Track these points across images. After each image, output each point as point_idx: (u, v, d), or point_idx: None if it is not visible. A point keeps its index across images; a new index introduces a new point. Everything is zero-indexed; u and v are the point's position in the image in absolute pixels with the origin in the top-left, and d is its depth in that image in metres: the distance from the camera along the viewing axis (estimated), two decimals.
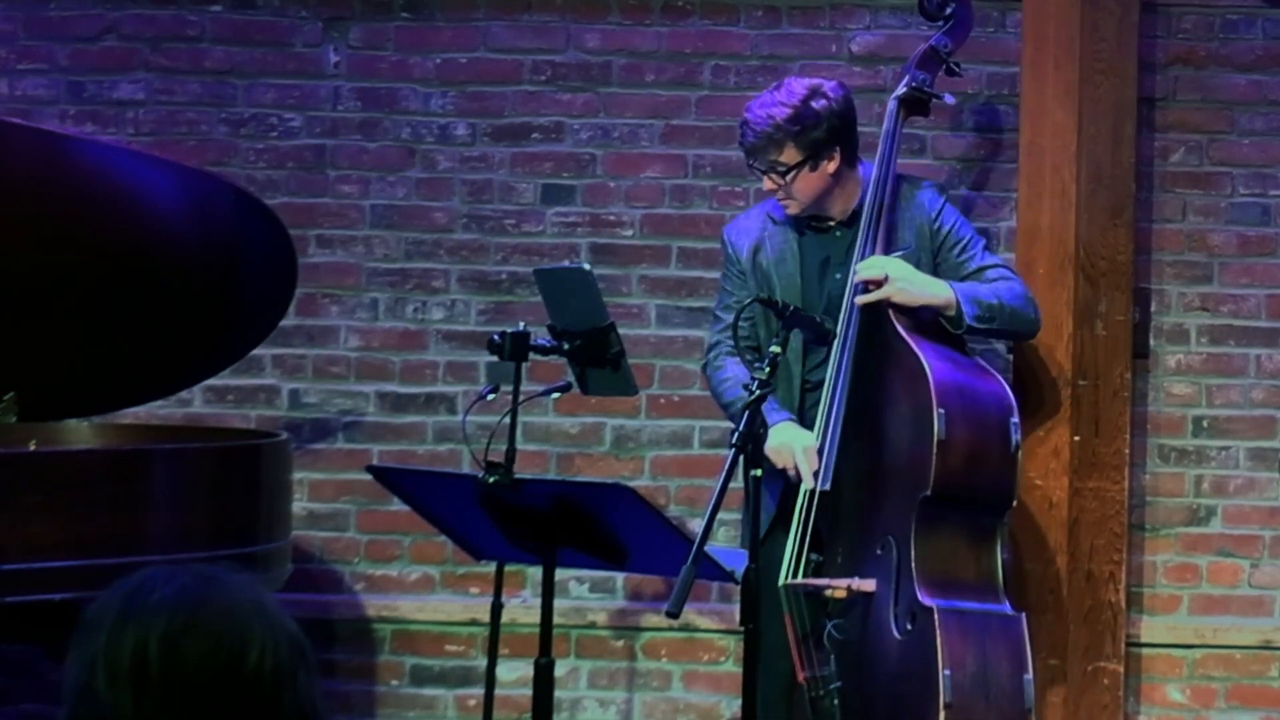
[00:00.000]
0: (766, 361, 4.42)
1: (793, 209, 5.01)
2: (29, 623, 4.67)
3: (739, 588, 4.31)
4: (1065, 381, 5.64)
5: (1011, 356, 5.69)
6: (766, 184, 4.99)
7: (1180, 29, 5.80)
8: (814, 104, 4.91)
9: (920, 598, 4.68)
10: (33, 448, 5.15)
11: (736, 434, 4.29)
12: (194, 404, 5.90)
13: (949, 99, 5.31)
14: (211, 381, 5.77)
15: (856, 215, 5.02)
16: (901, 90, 5.19)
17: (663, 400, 5.88)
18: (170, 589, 1.95)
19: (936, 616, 4.64)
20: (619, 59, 5.90)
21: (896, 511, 4.77)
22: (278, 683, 1.94)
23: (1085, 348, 5.64)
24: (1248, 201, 5.77)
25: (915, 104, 5.21)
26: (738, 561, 4.30)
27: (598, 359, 4.49)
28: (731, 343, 5.04)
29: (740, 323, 5.00)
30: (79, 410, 5.53)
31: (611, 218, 5.90)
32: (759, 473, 4.34)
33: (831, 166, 4.95)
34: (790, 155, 4.91)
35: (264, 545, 5.08)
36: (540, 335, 4.54)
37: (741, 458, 4.31)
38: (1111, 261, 5.66)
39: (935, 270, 5.00)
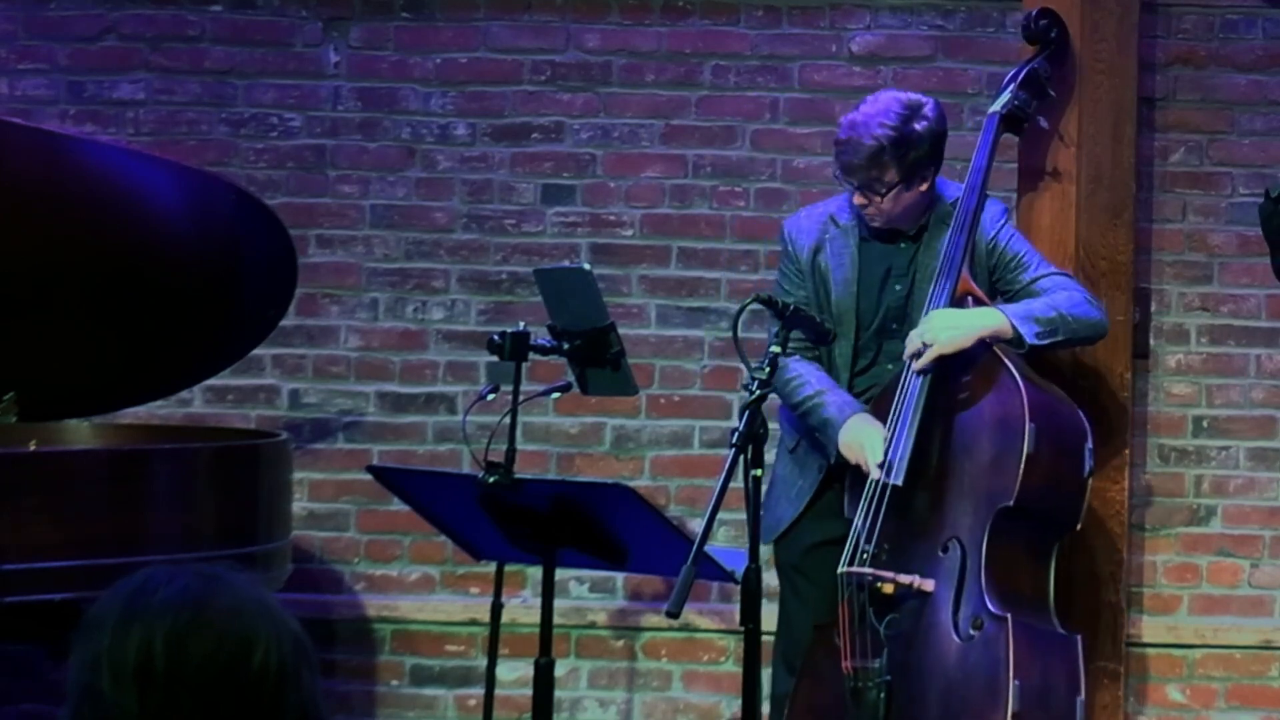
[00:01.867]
0: (766, 361, 4.41)
1: (878, 222, 4.99)
2: (29, 623, 4.67)
3: (739, 588, 4.31)
4: (1065, 381, 5.63)
5: None
6: (858, 198, 4.95)
7: (1180, 29, 5.80)
8: (917, 125, 4.90)
9: (990, 606, 4.70)
10: (33, 448, 5.15)
11: (736, 434, 4.29)
12: (194, 404, 5.90)
13: (1043, 123, 5.36)
14: (211, 381, 5.77)
15: (923, 229, 5.02)
16: (1004, 109, 5.21)
17: (663, 400, 5.88)
18: (174, 588, 1.95)
19: (1010, 626, 4.67)
20: (619, 59, 5.90)
21: (969, 517, 4.80)
22: (281, 682, 1.94)
23: (1085, 348, 5.64)
24: (1248, 201, 5.76)
25: (1013, 122, 5.24)
26: (738, 561, 4.30)
27: (598, 359, 4.49)
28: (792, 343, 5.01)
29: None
30: (79, 410, 5.53)
31: (611, 218, 5.90)
32: (759, 472, 4.34)
33: (924, 187, 4.95)
34: (892, 176, 4.89)
35: (264, 545, 5.08)
36: (540, 335, 4.54)
37: (741, 458, 4.31)
38: (1111, 261, 5.66)
39: (991, 289, 5.00)
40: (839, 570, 4.81)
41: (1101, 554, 5.66)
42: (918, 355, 4.84)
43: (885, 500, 4.81)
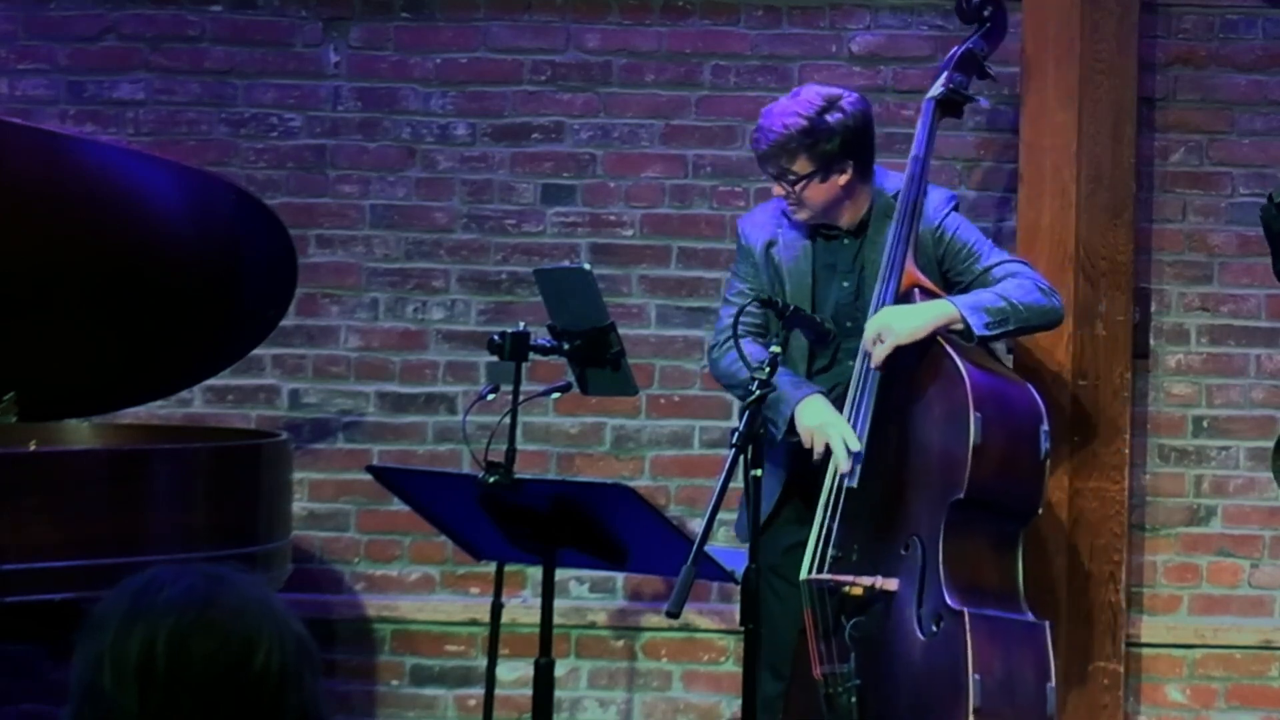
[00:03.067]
0: (766, 361, 4.41)
1: (802, 216, 5.00)
2: (29, 623, 4.67)
3: (739, 588, 4.31)
4: (1065, 381, 5.63)
5: (1011, 356, 5.69)
6: (776, 190, 4.97)
7: (1180, 29, 5.80)
8: (829, 117, 4.89)
9: (949, 600, 4.68)
10: (33, 448, 5.15)
11: (736, 434, 4.29)
12: (194, 404, 5.90)
13: (984, 102, 5.33)
14: (211, 381, 5.77)
15: (864, 225, 5.01)
16: (939, 91, 5.17)
17: (663, 400, 5.88)
18: (178, 588, 1.95)
19: (967, 620, 4.64)
20: (619, 59, 5.90)
21: (925, 513, 4.78)
22: (283, 683, 1.94)
23: (1085, 348, 5.64)
24: (1248, 201, 5.76)
25: (950, 105, 5.19)
26: (738, 561, 4.30)
27: (598, 359, 4.49)
28: (744, 328, 5.00)
29: (745, 315, 4.98)
30: (79, 410, 5.53)
31: (611, 218, 5.90)
32: (759, 473, 4.33)
33: (843, 180, 4.94)
34: (802, 166, 4.90)
35: (264, 545, 5.08)
36: (540, 335, 4.54)
37: (741, 458, 4.31)
38: (1111, 261, 5.66)
39: (944, 280, 4.98)
40: (800, 578, 4.79)
41: (1101, 554, 5.66)
42: (872, 353, 4.82)
43: (841, 503, 4.80)
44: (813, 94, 4.95)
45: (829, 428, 4.81)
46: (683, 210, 5.89)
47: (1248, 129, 5.81)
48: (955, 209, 5.08)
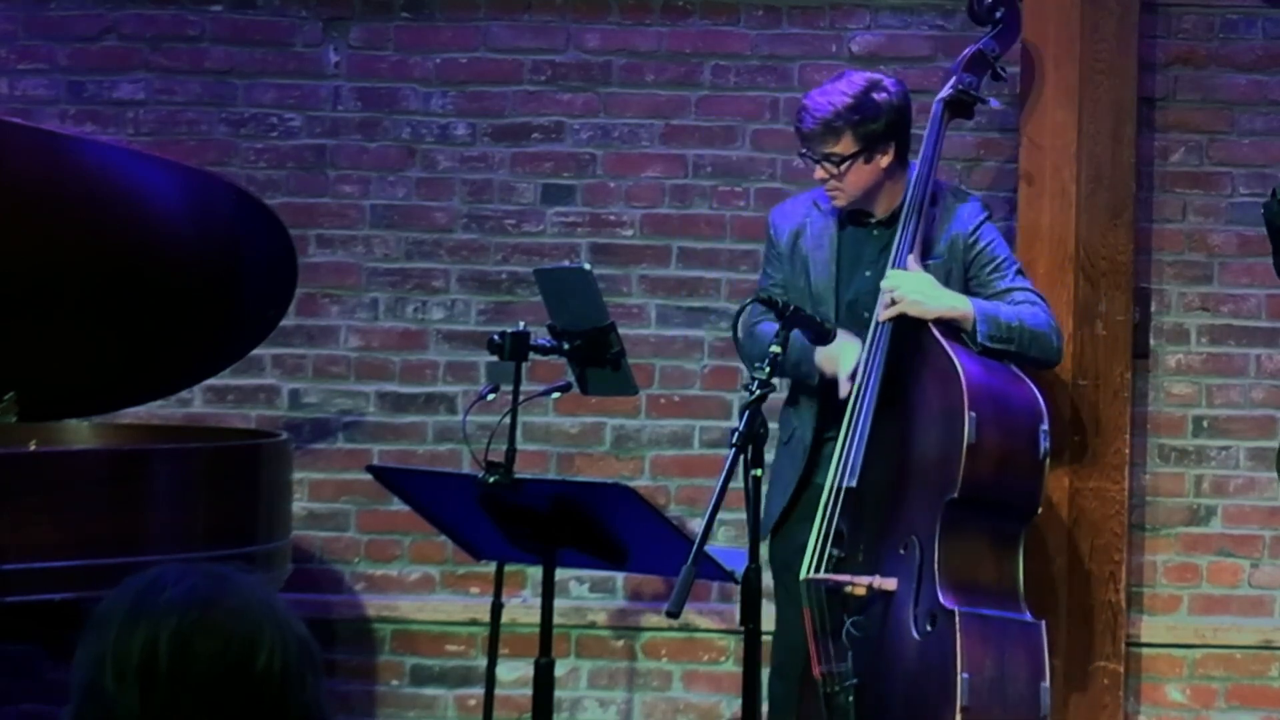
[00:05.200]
0: (767, 361, 4.41)
1: (840, 200, 5.00)
2: (29, 623, 4.67)
3: (739, 588, 4.31)
4: (1065, 381, 5.63)
5: None
6: (818, 172, 4.97)
7: (1180, 29, 5.80)
8: (875, 95, 4.92)
9: (941, 600, 4.68)
10: (33, 448, 5.15)
11: (736, 434, 4.29)
12: (194, 404, 5.90)
13: (995, 103, 5.34)
14: (211, 381, 5.77)
15: (896, 216, 5.02)
16: (948, 92, 5.18)
17: (663, 400, 5.88)
18: (181, 588, 1.95)
19: (957, 619, 4.64)
20: (619, 59, 5.90)
21: (922, 512, 4.77)
22: (285, 685, 1.94)
23: (1085, 348, 5.64)
24: (1248, 201, 5.76)
25: (960, 106, 5.20)
26: (738, 561, 4.30)
27: (598, 359, 4.50)
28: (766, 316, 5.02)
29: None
30: (79, 410, 5.53)
31: (611, 218, 5.90)
32: (759, 472, 4.33)
33: (885, 161, 4.95)
34: (846, 145, 4.91)
35: (264, 545, 5.08)
36: (540, 335, 4.54)
37: (741, 458, 4.30)
38: (1111, 261, 5.66)
39: (966, 286, 4.99)
40: (800, 578, 4.79)
41: (1101, 554, 5.66)
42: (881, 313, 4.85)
43: (841, 502, 4.80)
44: (858, 76, 4.99)
45: (839, 355, 4.86)
46: (683, 210, 5.89)
47: (1248, 129, 5.81)
48: (989, 219, 5.11)
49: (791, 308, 4.61)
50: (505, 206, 5.91)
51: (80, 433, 5.55)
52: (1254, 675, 5.78)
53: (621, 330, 4.53)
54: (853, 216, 5.06)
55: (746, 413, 4.30)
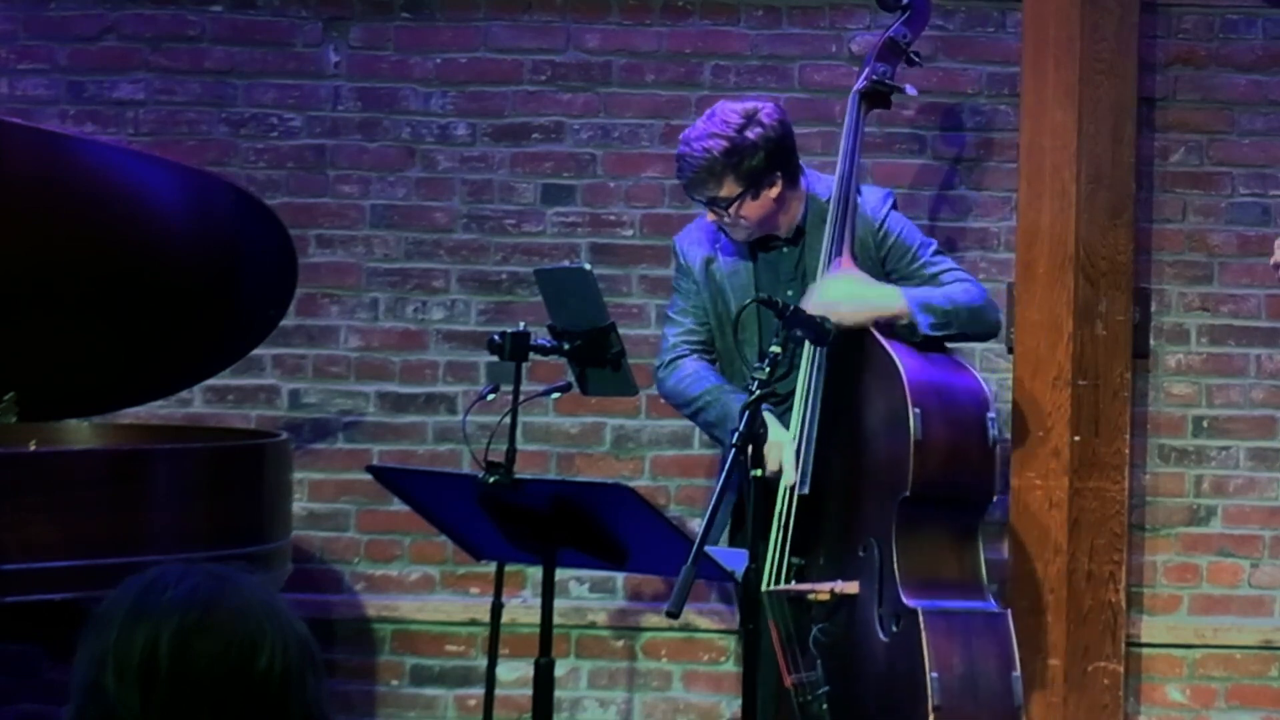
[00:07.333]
0: (766, 361, 4.40)
1: (740, 236, 4.95)
2: (29, 623, 4.67)
3: (739, 588, 4.31)
4: (1065, 381, 5.64)
5: (1012, 356, 5.70)
6: (709, 216, 4.94)
7: (1180, 29, 5.80)
8: (749, 134, 4.83)
9: (904, 599, 4.65)
10: (33, 448, 5.15)
11: (736, 434, 4.28)
12: (194, 404, 5.90)
13: (911, 90, 5.23)
14: (211, 381, 5.77)
15: (801, 231, 4.97)
16: (862, 84, 5.11)
17: (663, 400, 5.87)
18: (183, 588, 1.95)
19: (921, 618, 4.61)
20: (619, 59, 5.90)
21: (877, 513, 4.75)
22: (286, 685, 1.94)
23: (1085, 348, 5.65)
24: (1248, 201, 5.77)
25: (876, 97, 5.12)
26: (738, 561, 4.30)
27: (598, 359, 4.49)
28: (688, 346, 5.02)
29: (690, 333, 5.00)
30: (79, 410, 5.53)
31: (611, 218, 5.91)
32: (759, 473, 4.33)
33: (774, 192, 4.88)
34: (730, 189, 4.84)
35: (264, 545, 5.08)
36: (540, 335, 4.54)
37: (742, 458, 4.30)
38: (1111, 261, 5.66)
39: (885, 279, 4.93)
40: (762, 591, 4.77)
41: (1101, 554, 5.66)
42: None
43: (794, 511, 4.78)
44: (727, 112, 4.88)
45: (781, 446, 4.79)
46: (683, 210, 5.88)
47: (1248, 129, 5.81)
48: (894, 207, 5.04)
49: (791, 308, 4.59)
50: (505, 206, 5.91)
51: (80, 433, 5.55)
52: (1254, 675, 5.78)
53: (621, 330, 4.53)
54: (759, 241, 5.00)
55: (746, 413, 4.30)
